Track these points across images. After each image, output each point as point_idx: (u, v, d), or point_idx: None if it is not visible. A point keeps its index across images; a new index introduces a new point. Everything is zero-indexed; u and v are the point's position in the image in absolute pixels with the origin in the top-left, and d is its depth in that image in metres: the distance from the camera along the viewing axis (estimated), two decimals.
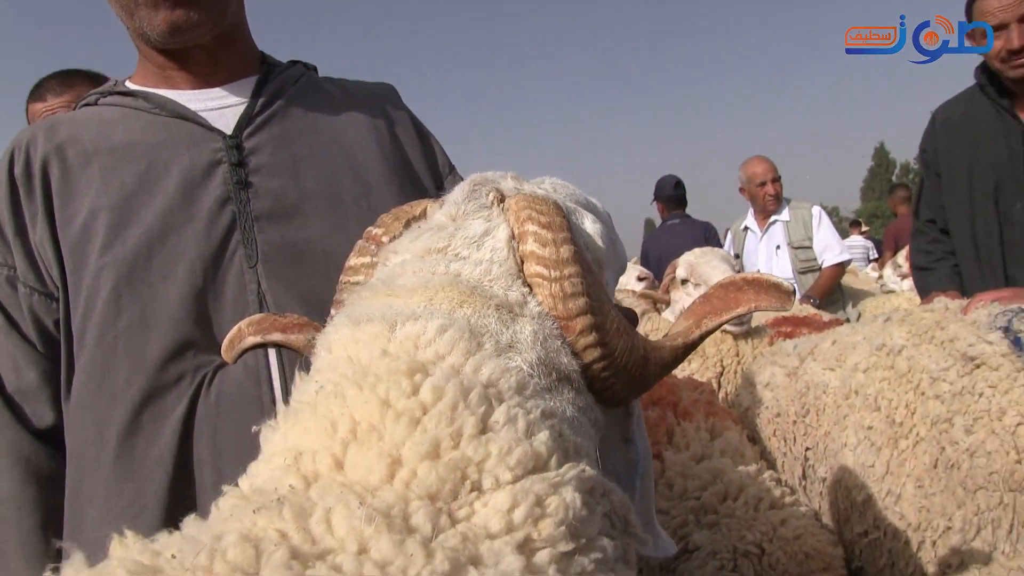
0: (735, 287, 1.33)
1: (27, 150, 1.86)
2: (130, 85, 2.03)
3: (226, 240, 1.82)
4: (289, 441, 0.99)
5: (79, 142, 1.87)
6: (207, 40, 1.94)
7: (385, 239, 1.33)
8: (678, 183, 9.27)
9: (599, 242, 1.35)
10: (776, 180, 7.79)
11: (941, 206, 4.28)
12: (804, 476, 3.28)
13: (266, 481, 0.95)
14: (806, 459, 3.27)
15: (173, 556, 0.76)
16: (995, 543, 2.29)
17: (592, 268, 1.24)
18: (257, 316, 1.58)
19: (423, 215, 1.35)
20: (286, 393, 1.71)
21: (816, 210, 7.85)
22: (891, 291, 9.28)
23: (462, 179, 2.08)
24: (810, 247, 7.65)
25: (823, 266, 7.59)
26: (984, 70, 4.08)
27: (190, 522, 0.90)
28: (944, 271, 4.22)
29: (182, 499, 1.69)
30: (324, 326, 1.50)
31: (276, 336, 1.51)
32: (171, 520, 1.45)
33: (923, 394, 2.63)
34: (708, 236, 8.54)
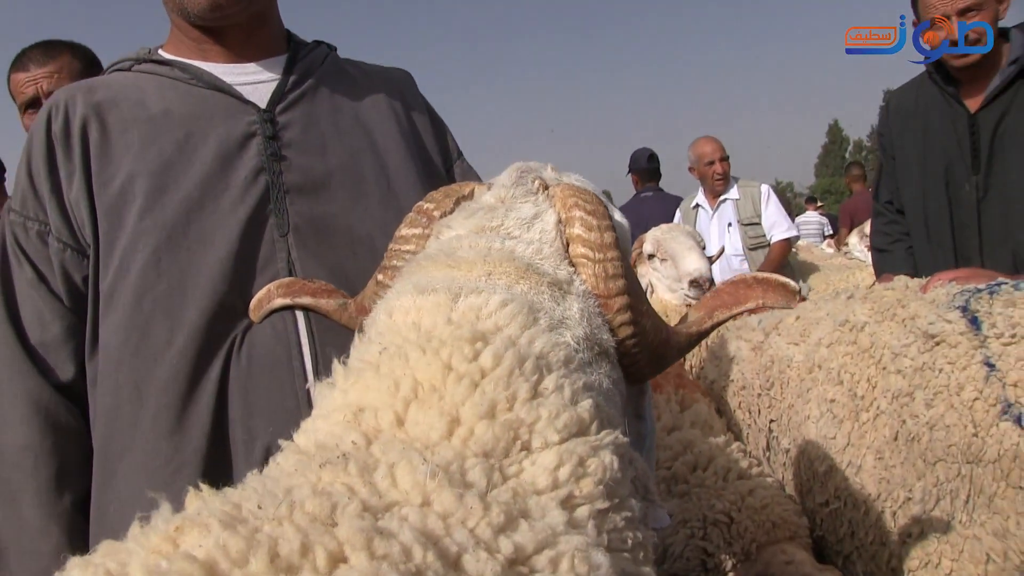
0: (745, 284, 1.45)
1: (66, 110, 1.89)
2: (164, 54, 2.08)
3: (259, 209, 1.87)
4: (350, 398, 1.07)
5: (118, 106, 1.91)
6: (243, 18, 2.00)
7: (436, 213, 1.41)
8: (652, 156, 9.36)
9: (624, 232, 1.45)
10: (724, 159, 7.93)
11: (897, 188, 4.41)
12: (768, 447, 3.37)
13: (326, 436, 1.01)
14: (770, 431, 3.36)
15: (259, 507, 0.82)
16: (953, 513, 2.38)
17: (625, 254, 1.34)
18: (286, 279, 1.69)
19: (471, 195, 1.44)
20: (315, 357, 1.77)
21: (765, 188, 8.02)
22: (855, 259, 9.45)
23: (469, 164, 2.25)
24: (759, 223, 7.82)
25: (771, 241, 7.76)
26: None
27: (253, 477, 0.95)
28: (899, 254, 4.35)
29: (217, 457, 1.74)
30: (349, 295, 1.59)
31: (305, 299, 1.62)
32: (208, 476, 1.54)
33: (884, 368, 2.71)
34: (663, 208, 8.66)
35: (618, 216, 1.45)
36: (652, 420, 1.55)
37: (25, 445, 1.80)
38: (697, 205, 8.27)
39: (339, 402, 1.08)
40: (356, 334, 1.27)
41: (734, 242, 7.87)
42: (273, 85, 2.05)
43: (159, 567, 0.73)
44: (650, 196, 9.13)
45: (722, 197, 8.01)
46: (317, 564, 0.74)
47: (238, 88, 2.00)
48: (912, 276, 3.39)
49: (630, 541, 1.03)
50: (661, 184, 9.32)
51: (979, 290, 2.63)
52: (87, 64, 3.52)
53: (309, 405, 1.64)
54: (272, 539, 0.75)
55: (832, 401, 2.91)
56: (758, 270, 7.21)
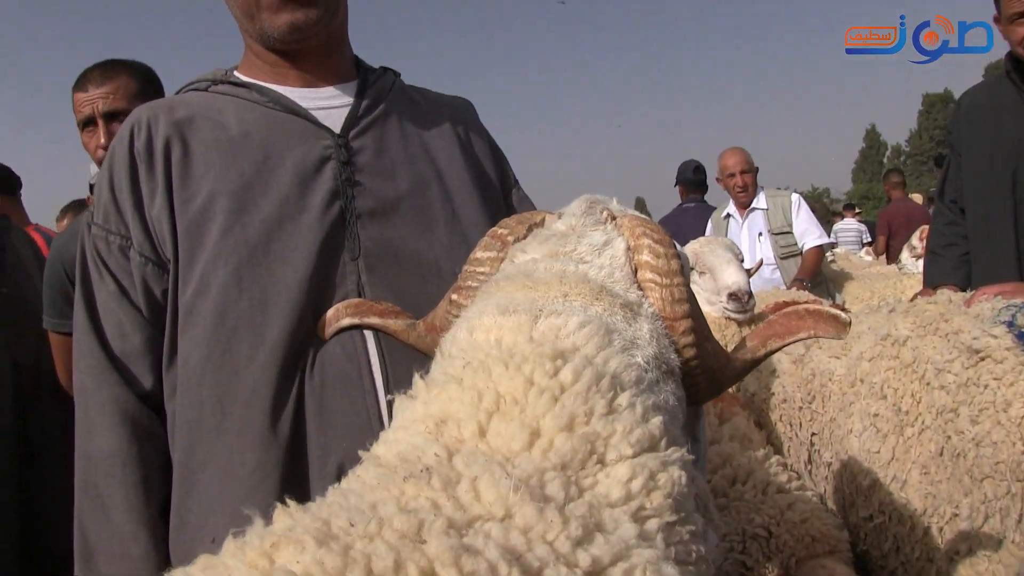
0: (797, 315, 1.48)
1: (148, 128, 1.95)
2: (240, 76, 2.13)
3: (333, 232, 1.92)
4: (432, 409, 1.10)
5: (198, 126, 1.97)
6: (319, 41, 2.05)
7: (510, 239, 1.47)
8: (697, 167, 9.55)
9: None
10: (745, 172, 8.00)
11: (962, 187, 4.35)
12: (810, 461, 3.37)
13: (408, 448, 1.05)
14: (812, 444, 3.35)
15: (351, 524, 0.84)
16: (1004, 532, 2.36)
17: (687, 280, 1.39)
18: (355, 300, 1.71)
19: (542, 223, 1.50)
20: (384, 375, 1.83)
21: (795, 197, 8.09)
22: (909, 273, 9.32)
23: (525, 193, 2.32)
24: (790, 232, 7.86)
25: (804, 249, 7.79)
26: (1011, 57, 4.11)
27: (336, 492, 0.98)
28: (951, 260, 4.29)
29: (294, 470, 1.79)
30: (415, 316, 1.63)
31: (373, 319, 1.64)
32: (285, 489, 1.63)
33: (928, 384, 2.70)
34: (704, 218, 8.76)
35: (677, 246, 1.49)
36: (705, 442, 1.60)
37: (114, 451, 1.86)
38: (728, 215, 8.34)
39: (421, 413, 1.12)
40: (436, 350, 1.33)
41: (765, 252, 7.91)
42: (346, 110, 2.09)
43: None
44: (691, 208, 9.29)
45: (751, 207, 8.06)
46: None
47: (313, 112, 2.05)
48: (961, 284, 3.37)
49: (694, 555, 1.05)
50: (710, 195, 9.41)
51: None
52: (144, 83, 3.60)
53: (379, 421, 1.75)
54: (366, 556, 0.77)
55: (876, 415, 2.90)
56: (796, 277, 7.23)
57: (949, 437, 2.53)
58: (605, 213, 1.46)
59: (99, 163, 3.42)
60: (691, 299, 1.36)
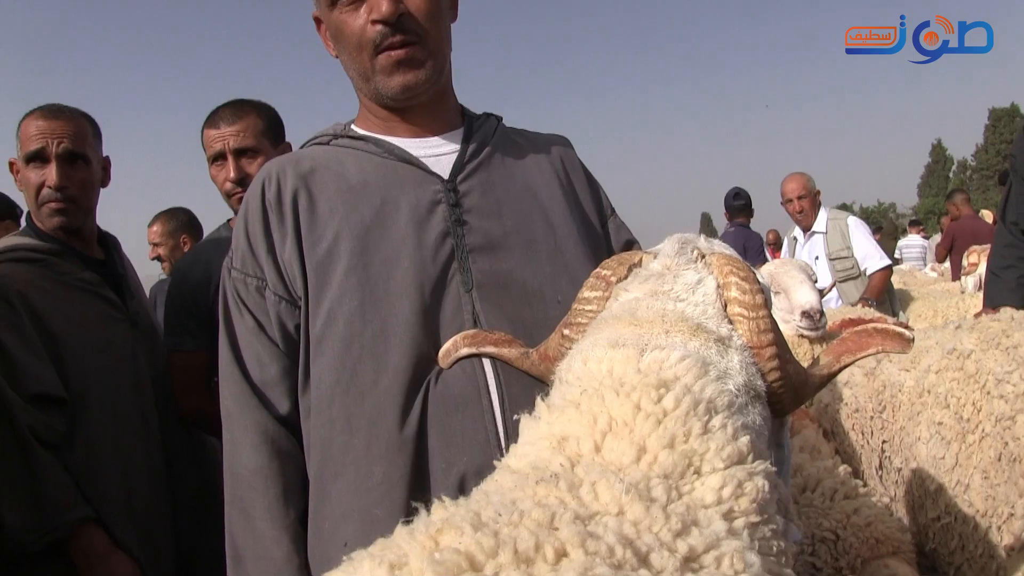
0: (867, 333, 1.68)
1: (278, 181, 2.16)
2: (357, 130, 2.33)
3: (446, 268, 2.09)
4: (554, 428, 1.32)
5: (322, 178, 2.17)
6: (427, 97, 2.23)
7: (613, 279, 1.66)
8: (737, 194, 9.97)
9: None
10: (802, 198, 8.20)
11: None
12: (881, 467, 3.50)
13: (536, 459, 1.26)
14: (883, 451, 3.49)
15: (499, 515, 1.05)
16: None
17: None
18: (471, 331, 1.94)
19: (640, 263, 1.69)
20: (500, 396, 1.99)
21: (852, 220, 8.25)
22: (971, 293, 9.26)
23: (621, 220, 2.48)
24: (848, 256, 7.99)
25: (867, 272, 7.93)
26: None
27: (479, 492, 1.21)
28: (1009, 281, 4.32)
29: (417, 481, 1.95)
30: (527, 342, 1.89)
31: (489, 348, 1.88)
32: (410, 498, 1.85)
33: (988, 393, 2.83)
34: (747, 245, 9.22)
35: (759, 277, 1.66)
36: (789, 447, 1.76)
37: (257, 468, 2.06)
38: (795, 237, 8.63)
39: (545, 432, 1.33)
40: (552, 376, 1.55)
41: (821, 274, 7.89)
42: (453, 157, 2.26)
43: (434, 556, 0.95)
44: (731, 232, 9.74)
45: (812, 230, 8.27)
46: (547, 557, 0.96)
47: (424, 160, 2.22)
48: (1019, 305, 3.44)
49: (775, 548, 1.24)
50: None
51: None
52: (270, 124, 3.81)
53: (496, 438, 1.92)
54: (512, 539, 0.97)
55: (940, 423, 3.03)
56: (862, 296, 7.36)
57: (1007, 443, 2.65)
58: (695, 252, 1.64)
59: (227, 195, 3.71)
60: (774, 328, 1.54)
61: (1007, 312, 3.25)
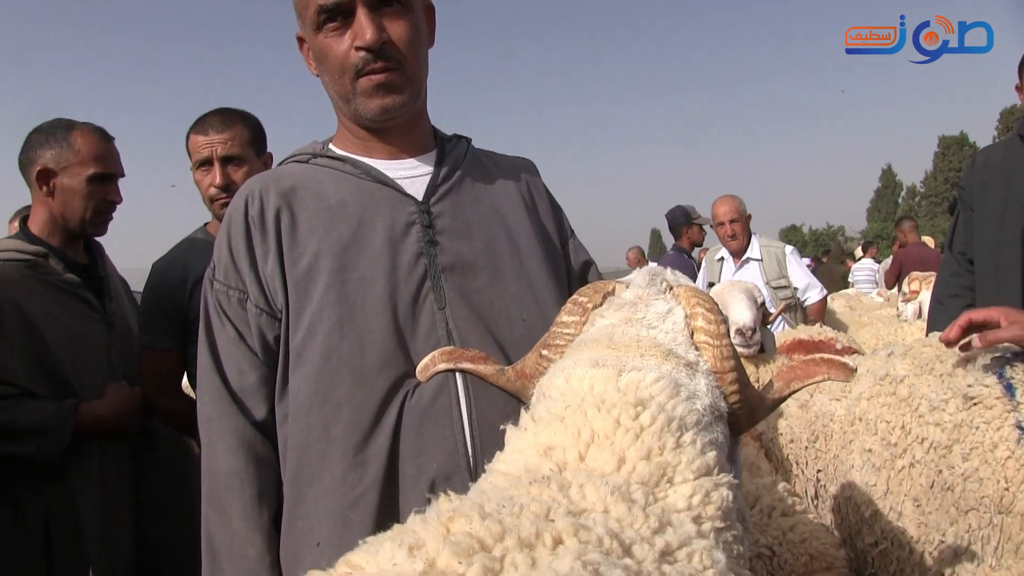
0: (814, 363, 1.92)
1: (261, 198, 2.29)
2: (335, 149, 2.48)
3: (420, 286, 2.24)
4: (541, 439, 1.50)
5: (303, 196, 2.31)
6: (403, 120, 2.38)
7: (589, 305, 1.85)
8: (674, 214, 10.48)
9: None
10: (734, 221, 8.37)
11: (972, 239, 4.51)
12: (816, 495, 3.68)
13: (526, 464, 1.45)
14: (818, 480, 3.68)
15: (502, 507, 1.21)
16: (983, 556, 2.67)
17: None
18: (448, 348, 2.11)
19: (614, 291, 1.89)
20: (469, 407, 2.14)
21: (788, 249, 8.48)
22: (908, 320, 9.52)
23: (580, 242, 2.69)
24: (786, 286, 8.20)
25: (807, 304, 8.27)
26: None
27: (476, 490, 1.39)
28: (954, 310, 4.38)
29: (390, 485, 2.11)
30: (498, 358, 2.13)
31: (465, 364, 2.06)
32: (382, 502, 2.07)
33: (921, 417, 3.00)
34: (678, 266, 9.16)
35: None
36: (740, 463, 1.96)
37: (233, 471, 2.19)
38: (722, 258, 8.72)
39: (531, 441, 1.51)
40: (532, 392, 1.79)
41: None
42: (426, 179, 2.42)
43: (448, 539, 1.10)
44: (671, 255, 10.19)
45: (745, 256, 8.44)
46: (546, 543, 1.12)
47: (399, 182, 2.38)
48: None
49: (735, 551, 1.45)
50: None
51: (1014, 357, 2.91)
52: (255, 134, 3.99)
53: (465, 447, 2.10)
54: (516, 527, 1.13)
55: (870, 451, 3.20)
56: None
57: (940, 471, 2.81)
58: (664, 284, 1.86)
59: (210, 200, 3.89)
60: (735, 355, 1.74)
61: (935, 336, 3.38)
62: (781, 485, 3.48)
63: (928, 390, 3.07)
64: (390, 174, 2.40)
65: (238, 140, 3.91)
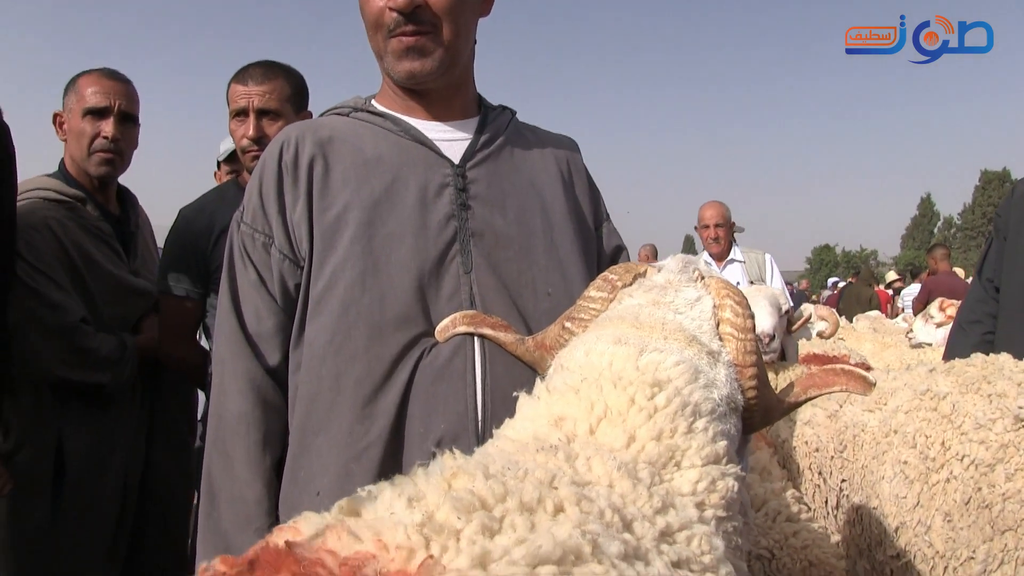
0: (833, 372, 1.91)
1: (296, 145, 2.33)
2: (376, 105, 2.51)
3: (448, 248, 2.26)
4: (553, 409, 1.51)
5: (339, 148, 2.35)
6: (439, 86, 2.41)
7: (619, 284, 1.87)
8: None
9: None
10: (720, 226, 8.78)
11: (1003, 268, 4.45)
12: (838, 505, 3.63)
13: (535, 432, 1.45)
14: (841, 490, 3.63)
15: (507, 469, 1.21)
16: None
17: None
18: (470, 312, 2.14)
19: (645, 274, 1.90)
20: (484, 372, 2.15)
21: (768, 257, 8.88)
22: (920, 344, 9.47)
23: (613, 226, 2.74)
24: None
25: None
26: None
27: (479, 452, 1.39)
28: (974, 336, 4.45)
29: (395, 441, 2.13)
30: (519, 328, 2.17)
31: (486, 330, 2.09)
32: (386, 458, 2.10)
33: (964, 434, 2.95)
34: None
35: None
36: (747, 463, 1.95)
37: (241, 414, 2.23)
38: (707, 263, 8.80)
39: (543, 411, 1.52)
40: (550, 363, 1.80)
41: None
42: (465, 143, 2.45)
43: (449, 494, 1.09)
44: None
45: (729, 258, 8.80)
46: (547, 509, 1.12)
47: (437, 143, 2.40)
48: None
49: (735, 543, 1.45)
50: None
51: None
52: (296, 89, 4.03)
53: (475, 411, 2.11)
54: (519, 490, 1.13)
55: (905, 463, 3.13)
56: None
57: (980, 488, 2.76)
58: (696, 272, 1.88)
59: (242, 151, 3.93)
60: (758, 352, 1.76)
61: (978, 357, 3.36)
62: (790, 492, 3.52)
63: (973, 408, 3.01)
64: (429, 135, 2.42)
65: (277, 94, 3.93)
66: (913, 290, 18.93)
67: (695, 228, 9.32)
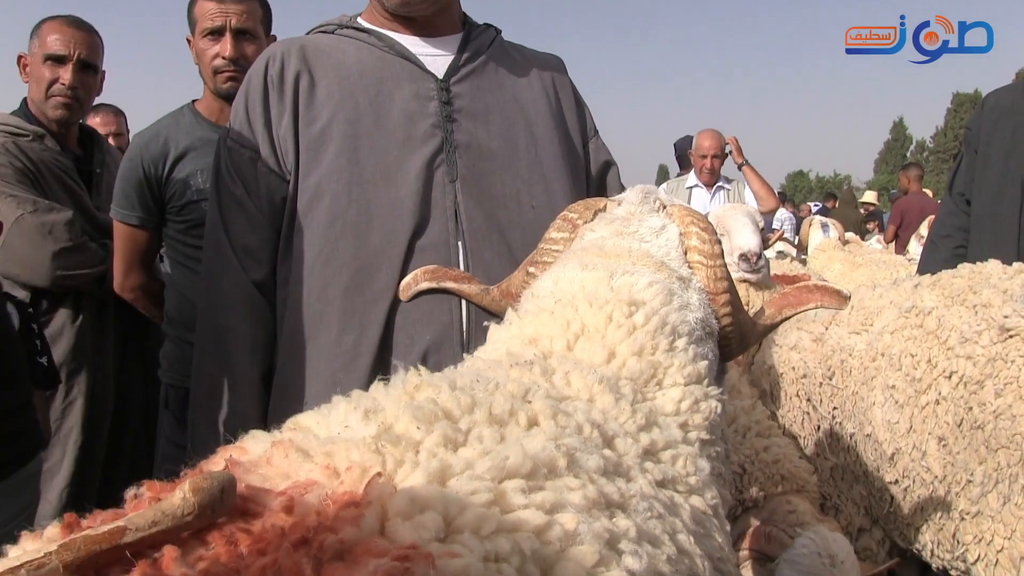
0: (807, 289, 1.96)
1: (282, 60, 2.42)
2: (362, 22, 2.59)
3: (433, 158, 2.37)
4: (526, 331, 1.53)
5: (324, 63, 2.44)
6: (430, 11, 2.50)
7: (579, 222, 1.90)
8: (679, 143, 10.80)
9: None
10: (716, 156, 9.07)
11: (973, 181, 4.52)
12: (832, 433, 3.63)
13: (507, 351, 1.45)
14: (833, 418, 3.65)
15: (476, 382, 1.20)
16: (1010, 495, 2.67)
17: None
18: (432, 267, 2.17)
19: (605, 208, 1.93)
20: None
21: (748, 192, 9.08)
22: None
23: (602, 141, 2.83)
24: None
25: None
26: None
27: (450, 368, 1.39)
28: (945, 252, 4.49)
29: (383, 351, 2.23)
30: (501, 245, 2.32)
31: (449, 284, 2.11)
32: (374, 367, 2.18)
33: (951, 350, 2.97)
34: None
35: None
36: (724, 389, 1.97)
37: (230, 326, 2.38)
38: (693, 186, 9.33)
39: (516, 332, 1.54)
40: (522, 296, 1.80)
41: None
42: (449, 59, 2.55)
43: (409, 403, 1.08)
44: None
45: (718, 184, 9.16)
46: (519, 422, 1.11)
47: (421, 59, 2.50)
48: None
49: (718, 469, 1.47)
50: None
51: None
52: (266, 12, 4.01)
53: (460, 321, 2.22)
54: (488, 402, 1.12)
55: (893, 387, 3.16)
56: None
57: (971, 408, 2.78)
58: (658, 202, 1.91)
59: (214, 71, 3.83)
60: (729, 277, 1.80)
61: (966, 267, 3.37)
62: (759, 409, 3.56)
63: (959, 322, 3.03)
64: (413, 50, 2.53)
65: (254, 15, 3.91)
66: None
67: (688, 154, 9.65)
